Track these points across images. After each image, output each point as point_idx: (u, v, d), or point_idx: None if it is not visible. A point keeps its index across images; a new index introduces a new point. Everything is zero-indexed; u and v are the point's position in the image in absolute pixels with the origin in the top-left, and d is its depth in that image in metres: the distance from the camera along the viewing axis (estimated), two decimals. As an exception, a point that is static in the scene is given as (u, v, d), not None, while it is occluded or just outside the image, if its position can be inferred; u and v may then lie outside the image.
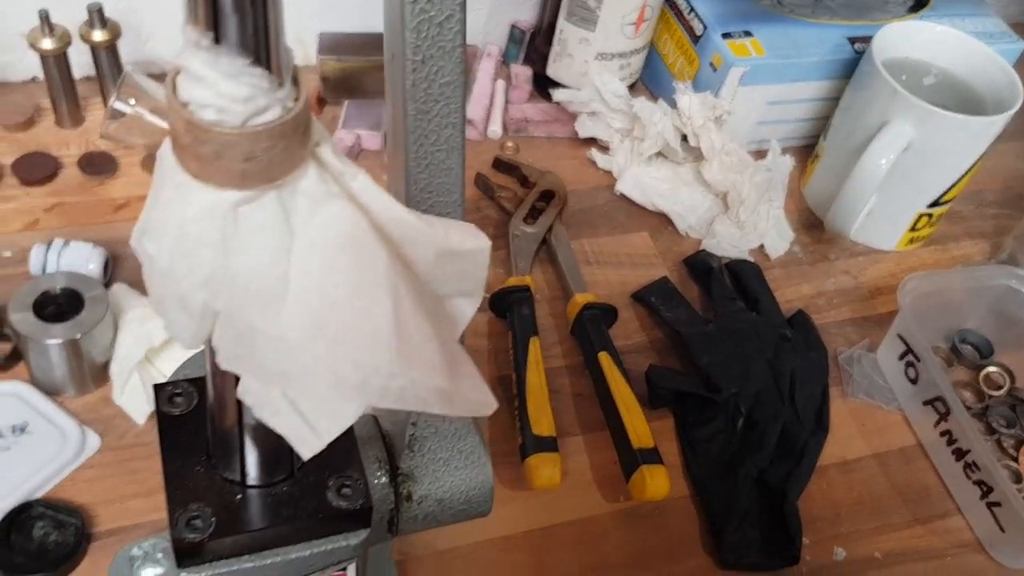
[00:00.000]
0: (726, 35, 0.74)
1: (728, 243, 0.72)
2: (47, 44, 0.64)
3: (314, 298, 0.23)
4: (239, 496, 0.31)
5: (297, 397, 0.24)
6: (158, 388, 0.33)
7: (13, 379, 0.57)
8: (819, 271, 0.74)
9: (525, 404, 0.59)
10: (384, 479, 0.39)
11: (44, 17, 0.63)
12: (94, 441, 0.56)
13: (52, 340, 0.55)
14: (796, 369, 0.64)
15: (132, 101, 0.64)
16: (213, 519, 0.30)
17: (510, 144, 0.76)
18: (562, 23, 0.75)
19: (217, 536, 0.30)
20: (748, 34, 0.75)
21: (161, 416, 0.32)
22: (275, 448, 0.31)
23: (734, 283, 0.70)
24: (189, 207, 0.22)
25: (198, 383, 0.33)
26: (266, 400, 0.24)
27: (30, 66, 0.71)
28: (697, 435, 0.61)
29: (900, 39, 0.73)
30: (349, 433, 0.32)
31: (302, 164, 0.23)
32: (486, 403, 0.25)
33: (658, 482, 0.56)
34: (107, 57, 0.67)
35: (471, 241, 0.26)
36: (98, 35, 0.65)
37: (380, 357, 0.23)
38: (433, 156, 0.35)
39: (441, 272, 0.26)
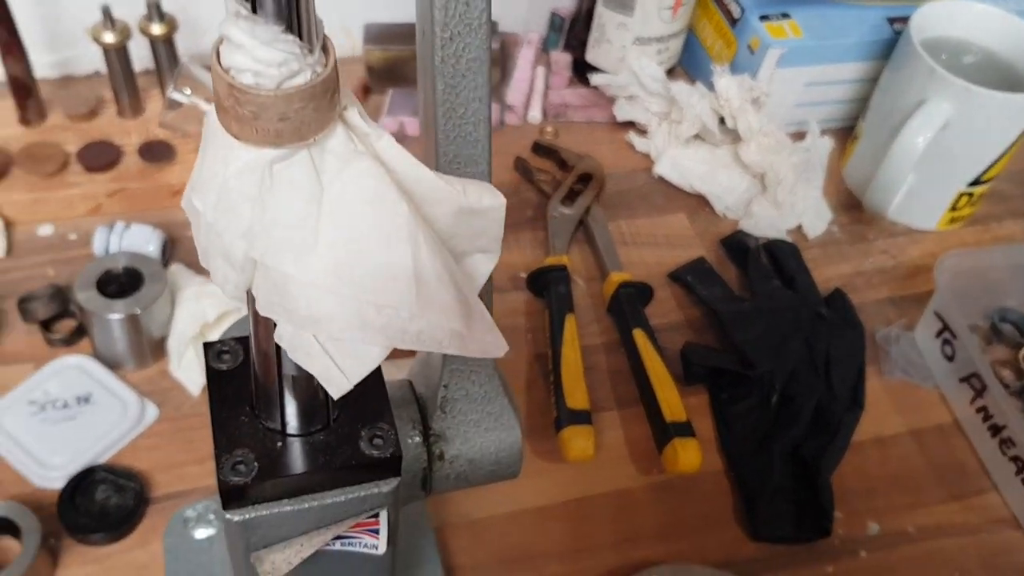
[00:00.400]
0: (763, 17, 0.75)
1: (766, 223, 0.73)
2: (109, 38, 0.67)
3: (340, 247, 0.25)
4: (279, 443, 0.33)
5: (327, 340, 0.26)
6: (207, 346, 0.36)
7: (78, 353, 0.60)
8: (858, 251, 0.74)
9: (560, 379, 0.60)
10: (418, 439, 0.41)
11: (106, 12, 0.67)
12: (152, 411, 0.59)
13: (114, 315, 0.58)
14: (832, 347, 0.65)
15: (188, 91, 0.67)
16: (256, 464, 0.33)
17: (549, 129, 0.78)
18: (600, 9, 0.76)
19: (259, 480, 0.32)
20: (786, 16, 0.75)
21: (210, 371, 0.35)
22: (312, 399, 0.33)
23: (771, 263, 0.71)
24: (231, 165, 0.25)
25: (243, 342, 0.36)
26: (299, 343, 0.26)
27: (93, 60, 0.75)
28: (732, 411, 0.62)
29: (940, 18, 0.73)
30: (381, 388, 0.35)
31: (331, 125, 0.25)
32: (497, 345, 0.27)
33: (690, 454, 0.57)
34: (165, 50, 0.70)
35: (488, 199, 0.28)
36: (156, 29, 0.69)
37: (400, 300, 0.25)
38: (461, 128, 0.37)
39: (459, 229, 0.28)
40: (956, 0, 0.74)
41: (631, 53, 0.77)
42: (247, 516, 0.33)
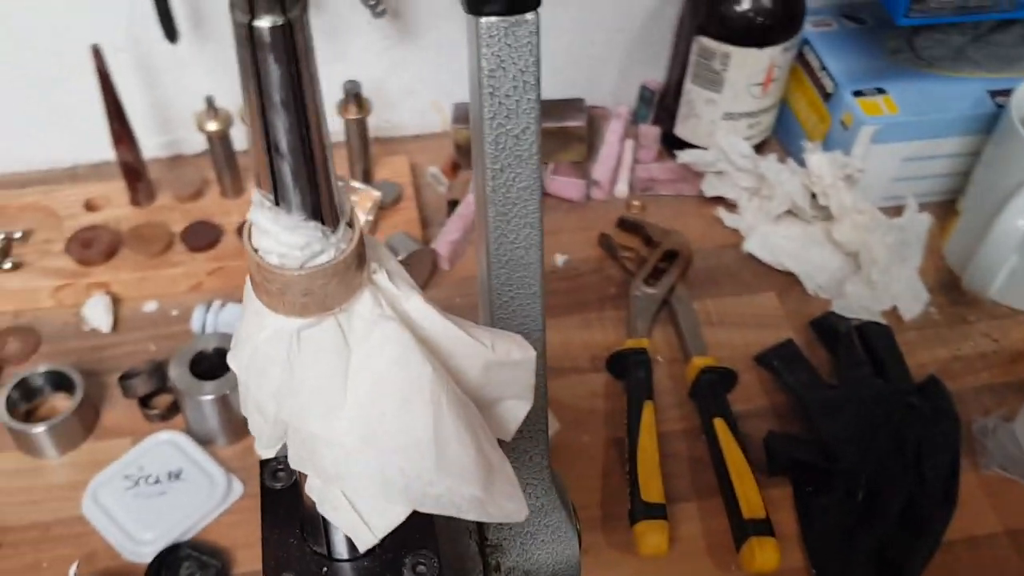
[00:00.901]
0: (857, 93, 0.73)
1: (858, 304, 0.71)
2: (212, 126, 0.71)
3: (365, 408, 0.26)
4: (324, 568, 0.34)
5: (353, 496, 0.27)
6: (263, 463, 0.37)
7: (172, 429, 0.63)
8: (957, 334, 0.71)
9: (636, 469, 0.60)
10: (474, 550, 0.42)
11: (209, 102, 0.70)
12: (238, 488, 0.61)
13: (205, 396, 0.61)
14: (924, 439, 0.62)
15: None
16: (301, 589, 0.34)
17: (636, 203, 0.78)
18: (689, 85, 0.76)
19: (304, 605, 0.33)
20: (881, 91, 0.73)
21: (264, 489, 0.36)
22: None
23: (863, 346, 0.69)
24: (263, 331, 0.26)
25: (299, 460, 0.37)
26: (328, 497, 0.27)
27: (201, 141, 0.79)
28: (814, 504, 0.60)
29: (1046, 92, 0.70)
30: (427, 515, 0.35)
31: (358, 291, 0.26)
32: (518, 511, 0.27)
33: (767, 554, 0.56)
34: (263, 132, 0.73)
35: (517, 352, 0.28)
36: (255, 114, 0.72)
37: (420, 465, 0.26)
38: (512, 253, 0.38)
39: (490, 380, 0.28)
40: (1064, 72, 0.71)
41: (720, 130, 0.76)
42: (293, 639, 0.34)
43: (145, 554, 0.57)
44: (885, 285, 0.71)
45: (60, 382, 0.64)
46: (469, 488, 0.26)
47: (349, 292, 0.26)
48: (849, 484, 0.60)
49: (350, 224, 0.26)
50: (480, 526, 0.42)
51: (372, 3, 0.69)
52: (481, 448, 0.27)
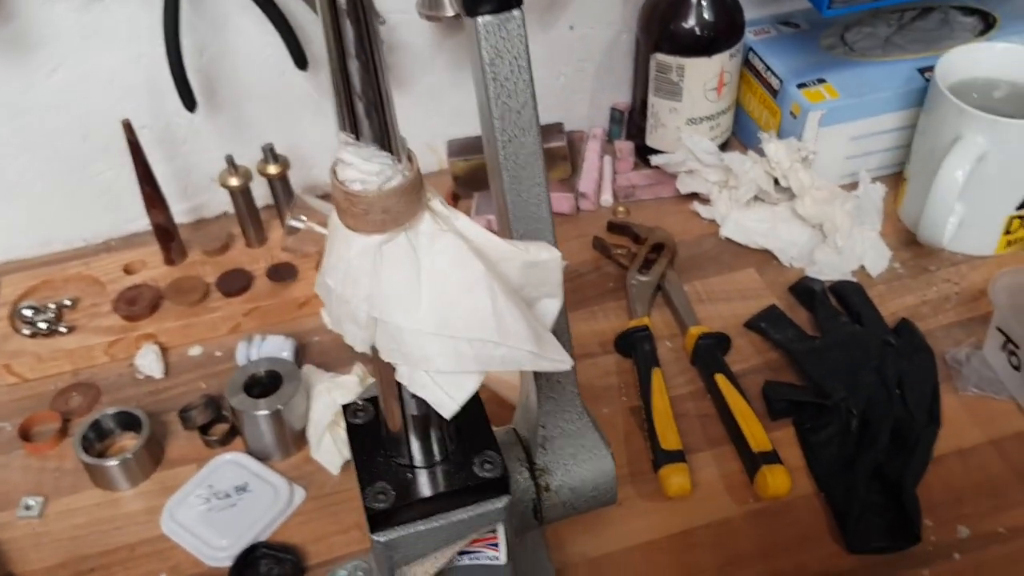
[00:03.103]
0: (801, 85, 0.83)
1: (829, 268, 0.79)
2: (233, 182, 0.79)
3: (437, 301, 0.33)
4: (410, 475, 0.41)
5: (436, 374, 0.34)
6: (345, 407, 0.44)
7: (233, 451, 0.70)
8: (921, 282, 0.79)
9: (653, 425, 0.67)
10: (526, 474, 0.49)
11: (230, 160, 0.79)
12: (300, 493, 0.68)
13: (261, 412, 0.68)
14: (904, 372, 0.70)
15: (303, 218, 0.78)
16: (393, 492, 0.41)
17: (621, 209, 0.86)
18: (652, 99, 0.85)
19: (397, 504, 0.40)
20: (821, 81, 0.83)
21: (349, 425, 0.43)
22: (431, 436, 0.41)
23: (839, 302, 0.77)
24: (351, 249, 0.34)
25: (372, 401, 0.44)
26: (416, 378, 0.35)
27: (221, 203, 0.88)
28: (815, 439, 0.67)
29: (965, 61, 0.79)
30: (486, 423, 0.43)
31: (421, 212, 0.34)
32: (565, 359, 0.35)
33: (779, 479, 0.63)
34: (280, 186, 0.82)
35: (545, 253, 0.36)
36: (272, 169, 0.81)
37: (485, 335, 0.33)
38: (527, 209, 0.45)
39: (527, 280, 0.36)
40: (980, 43, 0.81)
41: (684, 133, 0.85)
42: (390, 537, 0.41)
43: (224, 558, 0.64)
44: (850, 248, 0.79)
45: (127, 422, 0.71)
46: (525, 345, 0.34)
47: (414, 212, 0.34)
48: (843, 417, 0.67)
49: (409, 158, 0.34)
50: (528, 454, 0.49)
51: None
52: (529, 320, 0.34)
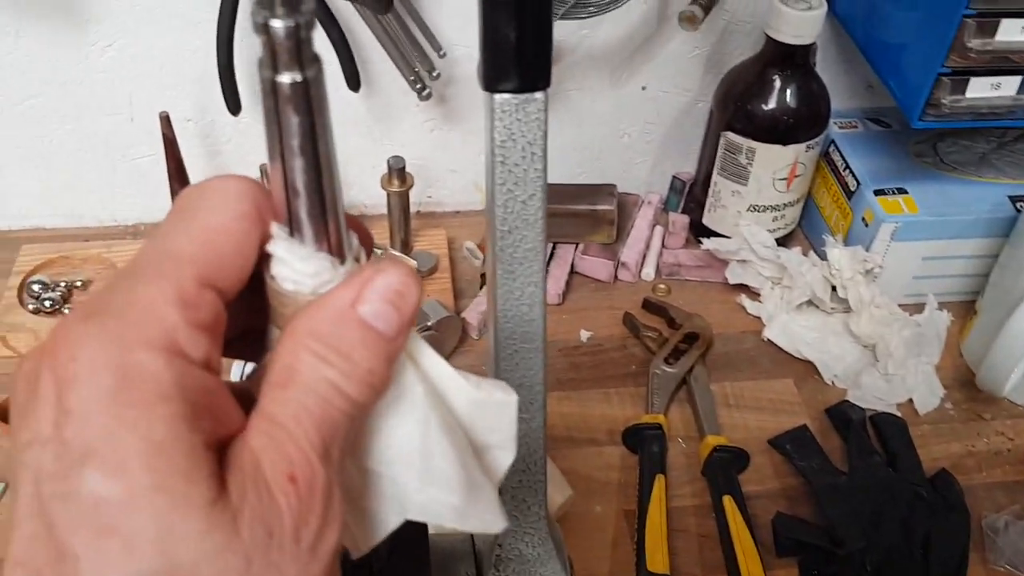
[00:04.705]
0: (879, 192, 0.76)
1: (873, 395, 0.72)
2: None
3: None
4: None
5: (348, 509, 0.30)
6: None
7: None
8: (971, 430, 0.72)
9: (643, 540, 0.61)
10: (472, 593, 0.44)
11: (263, 170, 0.76)
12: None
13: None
14: (932, 529, 0.63)
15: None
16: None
17: (662, 286, 0.81)
18: (716, 176, 0.80)
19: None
20: (902, 191, 0.76)
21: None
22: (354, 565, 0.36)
23: (877, 436, 0.70)
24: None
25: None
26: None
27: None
28: (819, 588, 0.61)
29: (1065, 199, 0.72)
30: (424, 554, 0.38)
31: (363, 321, 0.30)
32: (496, 522, 0.30)
33: (765, 630, 0.57)
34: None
35: (500, 393, 0.31)
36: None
37: (407, 475, 0.29)
38: (517, 309, 0.41)
39: (474, 421, 0.31)
40: (1084, 180, 0.73)
41: (744, 220, 0.79)
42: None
43: None
44: (901, 378, 0.73)
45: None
46: (449, 497, 0.29)
47: (355, 321, 0.29)
48: (855, 570, 0.61)
49: (357, 260, 0.29)
50: (479, 571, 0.44)
51: (419, 87, 0.74)
52: (465, 466, 0.29)
